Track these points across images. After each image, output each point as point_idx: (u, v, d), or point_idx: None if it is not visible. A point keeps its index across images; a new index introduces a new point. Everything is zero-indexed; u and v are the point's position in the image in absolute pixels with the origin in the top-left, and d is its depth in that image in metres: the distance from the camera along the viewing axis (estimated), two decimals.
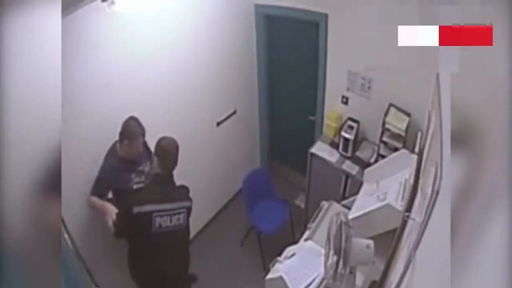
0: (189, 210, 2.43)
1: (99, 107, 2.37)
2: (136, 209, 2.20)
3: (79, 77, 2.17)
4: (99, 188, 2.41)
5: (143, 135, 2.42)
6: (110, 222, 2.28)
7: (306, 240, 2.36)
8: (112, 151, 2.45)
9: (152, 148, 2.41)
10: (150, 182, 2.39)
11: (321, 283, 1.90)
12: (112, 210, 2.33)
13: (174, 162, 2.30)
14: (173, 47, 2.74)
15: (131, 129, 2.35)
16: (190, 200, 2.47)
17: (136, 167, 2.50)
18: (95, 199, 2.40)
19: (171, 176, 2.34)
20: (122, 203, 2.30)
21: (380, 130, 2.62)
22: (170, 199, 2.32)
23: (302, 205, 3.67)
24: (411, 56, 2.24)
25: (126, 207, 2.24)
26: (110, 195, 2.49)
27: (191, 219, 2.65)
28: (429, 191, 1.22)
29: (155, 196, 2.28)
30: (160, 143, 2.28)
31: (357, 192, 2.45)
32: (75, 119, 2.20)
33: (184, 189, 2.47)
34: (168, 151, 2.27)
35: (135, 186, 2.47)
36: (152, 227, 2.26)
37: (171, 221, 2.32)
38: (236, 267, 3.44)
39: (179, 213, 2.35)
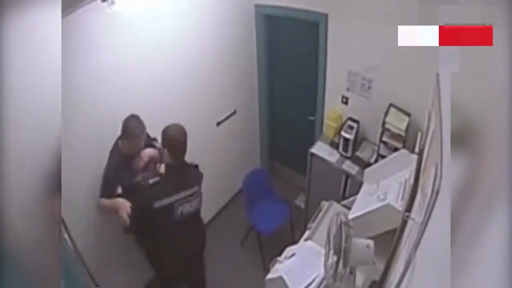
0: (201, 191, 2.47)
1: (99, 106, 2.36)
2: (157, 204, 2.22)
3: (79, 77, 2.17)
4: (106, 188, 2.40)
5: (143, 134, 2.40)
6: (125, 215, 2.25)
7: (306, 240, 2.36)
8: (115, 148, 2.44)
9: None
10: (165, 174, 2.35)
11: (321, 283, 1.90)
12: (125, 204, 2.30)
13: (184, 149, 2.29)
14: (173, 47, 2.74)
15: (130, 129, 2.34)
16: (201, 176, 2.48)
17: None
18: (104, 201, 2.39)
19: (184, 162, 2.34)
20: (138, 199, 2.27)
21: (380, 130, 2.62)
22: (188, 186, 2.34)
23: (302, 205, 3.67)
24: (411, 56, 2.26)
25: (146, 203, 2.22)
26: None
27: None
28: (429, 191, 1.22)
29: (173, 187, 2.28)
30: (166, 132, 2.25)
31: (357, 192, 2.45)
32: (75, 119, 2.20)
33: (196, 170, 2.48)
34: (176, 139, 2.25)
35: (150, 181, 2.35)
36: (174, 216, 2.29)
37: (191, 206, 2.37)
38: (236, 267, 3.45)
39: (197, 197, 2.39)
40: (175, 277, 2.67)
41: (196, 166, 2.50)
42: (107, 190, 2.40)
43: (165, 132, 2.26)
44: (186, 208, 2.34)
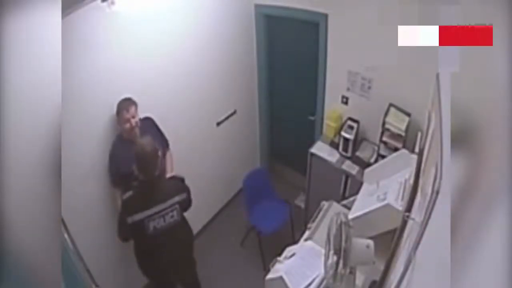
0: (183, 202, 2.42)
1: (99, 106, 2.37)
2: (129, 219, 2.25)
3: (79, 77, 2.17)
4: (112, 177, 2.46)
5: (129, 108, 2.38)
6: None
7: (306, 240, 2.36)
8: (118, 135, 2.47)
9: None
10: (137, 190, 2.31)
11: (321, 283, 1.90)
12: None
13: (153, 165, 2.23)
14: (173, 47, 2.74)
15: (117, 106, 2.38)
16: (185, 190, 2.45)
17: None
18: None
19: (155, 177, 2.29)
20: (119, 213, 2.33)
21: (380, 130, 2.62)
22: (160, 200, 2.32)
23: (302, 205, 3.67)
24: (411, 56, 2.25)
25: (121, 218, 2.29)
26: None
27: (190, 218, 2.66)
28: (429, 191, 1.22)
29: (144, 203, 2.28)
30: (135, 148, 2.21)
31: (357, 192, 2.45)
32: (75, 119, 2.20)
33: (176, 182, 2.45)
34: (142, 157, 2.20)
35: (123, 197, 2.34)
36: (147, 231, 2.30)
37: (164, 220, 2.34)
38: (236, 267, 3.44)
39: (171, 211, 2.36)
40: (164, 283, 2.68)
41: (178, 178, 2.48)
42: (112, 180, 2.48)
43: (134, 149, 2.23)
44: (159, 223, 2.32)
